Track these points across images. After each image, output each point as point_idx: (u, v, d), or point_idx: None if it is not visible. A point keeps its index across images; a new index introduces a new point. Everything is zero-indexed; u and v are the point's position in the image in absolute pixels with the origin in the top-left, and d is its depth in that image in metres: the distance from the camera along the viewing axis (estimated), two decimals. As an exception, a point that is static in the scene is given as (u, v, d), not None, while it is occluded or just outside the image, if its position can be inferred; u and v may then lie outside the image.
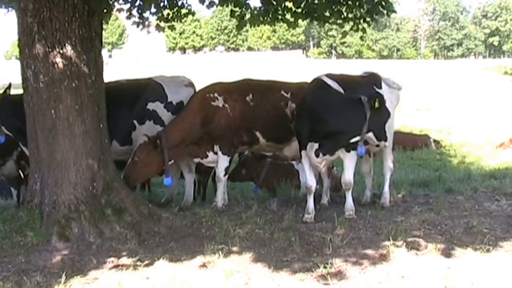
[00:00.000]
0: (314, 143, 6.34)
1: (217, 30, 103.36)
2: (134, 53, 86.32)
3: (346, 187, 6.50)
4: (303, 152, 6.50)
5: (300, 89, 7.14)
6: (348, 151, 6.39)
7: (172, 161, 6.91)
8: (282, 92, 7.09)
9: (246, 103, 6.97)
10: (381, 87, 6.75)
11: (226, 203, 7.02)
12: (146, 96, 7.31)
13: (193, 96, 7.17)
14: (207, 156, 7.04)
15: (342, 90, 6.30)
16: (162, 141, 6.62)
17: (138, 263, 5.06)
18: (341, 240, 5.48)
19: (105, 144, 6.19)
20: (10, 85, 7.06)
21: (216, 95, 6.96)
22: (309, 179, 6.56)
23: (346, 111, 6.17)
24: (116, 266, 5.02)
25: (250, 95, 6.99)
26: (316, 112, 6.22)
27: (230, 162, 7.07)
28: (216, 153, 7.00)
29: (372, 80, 6.84)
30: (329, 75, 6.52)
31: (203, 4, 7.20)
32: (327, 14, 7.18)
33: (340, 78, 6.50)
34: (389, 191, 7.03)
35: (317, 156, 6.40)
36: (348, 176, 6.46)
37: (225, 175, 7.04)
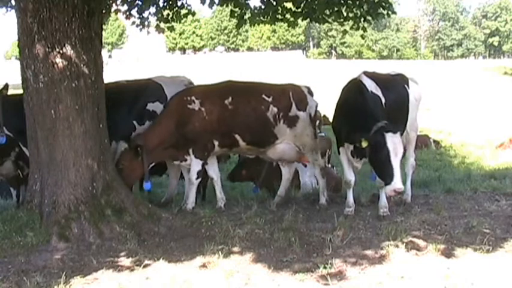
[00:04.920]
0: (350, 144, 6.47)
1: (217, 30, 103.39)
2: (134, 53, 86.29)
3: (380, 185, 6.45)
4: (341, 148, 6.67)
5: (283, 92, 7.11)
6: None
7: (153, 164, 6.94)
8: (263, 96, 7.01)
9: (224, 106, 6.89)
10: (409, 86, 7.08)
11: (194, 206, 6.91)
12: (146, 97, 7.31)
13: (172, 99, 7.10)
14: (185, 160, 7.01)
15: (379, 90, 6.46)
16: (141, 147, 6.62)
17: (138, 263, 5.05)
18: (341, 241, 5.48)
19: (105, 144, 6.19)
20: (7, 86, 7.05)
21: (193, 98, 6.89)
22: (347, 174, 6.68)
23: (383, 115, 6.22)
24: (116, 267, 5.02)
25: (230, 98, 6.91)
26: (353, 114, 6.31)
27: (203, 166, 6.99)
28: None
29: (402, 79, 7.13)
30: (367, 74, 6.65)
31: (203, 4, 7.20)
32: (327, 13, 7.18)
33: (376, 77, 6.67)
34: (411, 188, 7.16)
35: (353, 157, 6.56)
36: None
37: (197, 178, 6.97)
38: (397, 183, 5.75)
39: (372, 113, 6.15)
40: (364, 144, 5.85)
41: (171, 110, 6.93)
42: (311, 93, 7.36)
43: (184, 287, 4.56)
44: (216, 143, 6.95)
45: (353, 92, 6.51)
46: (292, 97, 7.09)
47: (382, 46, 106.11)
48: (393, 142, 5.78)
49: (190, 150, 6.91)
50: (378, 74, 6.99)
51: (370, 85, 6.47)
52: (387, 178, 5.81)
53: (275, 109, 6.97)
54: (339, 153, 6.80)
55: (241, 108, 6.92)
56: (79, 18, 5.83)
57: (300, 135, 7.08)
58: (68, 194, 5.77)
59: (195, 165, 6.93)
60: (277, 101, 7.00)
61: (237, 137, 6.93)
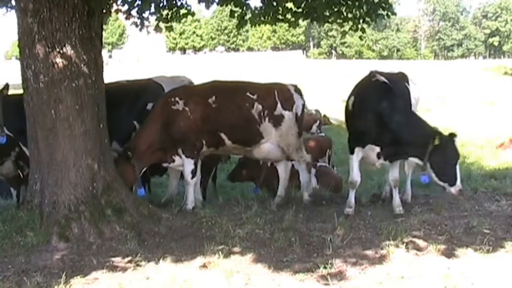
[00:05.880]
0: (375, 146, 6.50)
1: (217, 30, 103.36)
2: (134, 53, 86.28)
3: (395, 184, 6.66)
4: (356, 149, 6.64)
5: (268, 91, 7.12)
6: None
7: (145, 169, 6.95)
8: (248, 94, 7.03)
9: (208, 105, 6.90)
10: (409, 84, 7.10)
11: (194, 206, 6.92)
12: (146, 97, 7.33)
13: (157, 101, 7.12)
14: (174, 161, 7.03)
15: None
16: (133, 152, 6.66)
17: (138, 263, 5.06)
18: (341, 241, 5.48)
19: (105, 144, 6.19)
20: (7, 86, 7.05)
21: (177, 98, 6.91)
22: (355, 174, 6.71)
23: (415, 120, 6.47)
24: (116, 267, 5.02)
25: (214, 97, 6.93)
26: (381, 115, 6.38)
27: (196, 164, 6.99)
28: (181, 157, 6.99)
29: (403, 77, 7.17)
30: (378, 73, 6.71)
31: (200, 3, 7.19)
32: (327, 14, 7.19)
33: (385, 76, 6.71)
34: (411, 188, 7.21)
35: (378, 158, 6.59)
36: (395, 173, 6.68)
37: (192, 178, 6.97)
38: (460, 184, 6.27)
39: (404, 113, 6.38)
40: (437, 142, 6.21)
41: (157, 112, 6.96)
42: (298, 92, 7.34)
43: (184, 287, 4.56)
44: (204, 142, 6.97)
45: (377, 92, 6.48)
46: (278, 96, 7.10)
47: (383, 46, 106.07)
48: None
49: (180, 151, 6.92)
50: (383, 72, 6.99)
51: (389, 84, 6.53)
52: (453, 180, 6.22)
53: (260, 106, 6.98)
54: (352, 153, 6.68)
55: (225, 106, 6.94)
56: (79, 18, 5.83)
57: (285, 135, 7.10)
58: (68, 194, 5.77)
59: (188, 164, 6.93)
60: (262, 99, 7.02)
61: (223, 135, 6.95)
